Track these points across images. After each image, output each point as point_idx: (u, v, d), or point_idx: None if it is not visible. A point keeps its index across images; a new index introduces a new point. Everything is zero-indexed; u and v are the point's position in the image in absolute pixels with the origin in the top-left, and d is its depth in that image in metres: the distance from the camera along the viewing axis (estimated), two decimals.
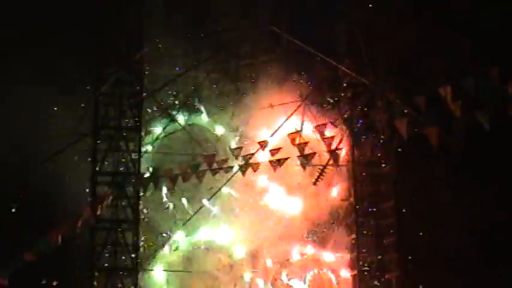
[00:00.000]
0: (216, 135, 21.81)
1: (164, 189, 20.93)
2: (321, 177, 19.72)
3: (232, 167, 18.07)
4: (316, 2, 21.95)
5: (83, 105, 20.44)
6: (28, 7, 20.36)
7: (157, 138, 21.39)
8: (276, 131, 19.73)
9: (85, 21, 20.56)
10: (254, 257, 21.93)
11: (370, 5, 21.08)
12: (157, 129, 21.47)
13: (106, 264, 19.72)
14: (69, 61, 19.97)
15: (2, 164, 19.09)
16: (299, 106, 20.19)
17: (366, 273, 20.69)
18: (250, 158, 18.45)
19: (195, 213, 21.07)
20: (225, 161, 18.31)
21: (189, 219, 21.06)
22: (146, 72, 20.97)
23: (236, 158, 17.87)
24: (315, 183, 20.11)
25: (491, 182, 19.65)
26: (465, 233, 19.80)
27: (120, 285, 19.76)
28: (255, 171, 17.99)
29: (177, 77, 21.15)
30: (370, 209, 20.76)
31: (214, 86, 21.70)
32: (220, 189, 20.12)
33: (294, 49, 21.00)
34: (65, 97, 20.03)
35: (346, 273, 21.58)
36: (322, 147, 18.45)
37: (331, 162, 19.24)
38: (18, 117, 19.54)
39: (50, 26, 20.22)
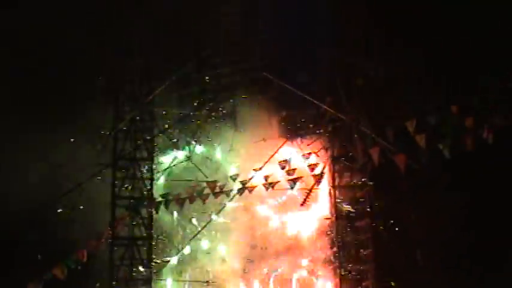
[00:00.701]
0: (217, 164, 21.63)
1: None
2: (307, 199, 19.58)
3: (231, 190, 18.15)
4: (302, 52, 21.50)
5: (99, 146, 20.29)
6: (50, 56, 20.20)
7: (166, 168, 21.27)
8: (269, 159, 19.47)
9: (104, 70, 20.61)
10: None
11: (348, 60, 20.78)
12: (167, 160, 21.32)
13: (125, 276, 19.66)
14: (91, 104, 20.08)
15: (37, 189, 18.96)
16: (287, 139, 20.49)
17: (345, 280, 20.33)
18: (246, 183, 18.72)
19: (203, 227, 20.90)
20: (223, 186, 18.41)
21: (197, 234, 20.84)
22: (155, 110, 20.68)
23: (234, 181, 18.04)
24: (302, 205, 19.95)
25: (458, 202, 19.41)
26: (431, 245, 19.58)
27: None
28: (250, 192, 18.10)
29: (184, 117, 21.06)
30: (348, 225, 20.45)
31: (216, 125, 21.53)
32: (225, 206, 20.17)
33: (284, 91, 20.73)
34: (88, 135, 20.03)
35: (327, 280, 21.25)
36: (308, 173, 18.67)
37: (315, 185, 19.20)
38: (49, 152, 19.45)
39: (73, 75, 20.26)
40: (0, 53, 19.78)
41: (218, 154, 21.81)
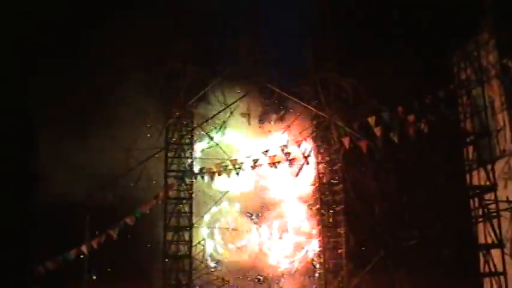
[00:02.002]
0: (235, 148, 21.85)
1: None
2: (300, 171, 20.24)
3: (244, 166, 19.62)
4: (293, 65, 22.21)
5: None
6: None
7: (202, 150, 21.58)
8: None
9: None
10: None
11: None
12: (203, 145, 21.64)
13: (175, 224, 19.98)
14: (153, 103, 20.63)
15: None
16: (285, 130, 21.26)
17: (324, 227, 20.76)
18: (257, 161, 20.15)
19: (224, 194, 21.31)
20: (242, 163, 20.03)
21: (222, 197, 21.29)
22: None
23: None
24: (296, 175, 20.44)
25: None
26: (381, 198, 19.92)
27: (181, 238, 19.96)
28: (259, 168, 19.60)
29: (213, 116, 21.17)
30: (328, 190, 20.76)
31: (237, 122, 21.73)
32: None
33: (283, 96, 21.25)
34: (149, 127, 20.57)
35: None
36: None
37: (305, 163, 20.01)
38: (121, 139, 19.87)
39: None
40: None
41: (237, 141, 22.02)
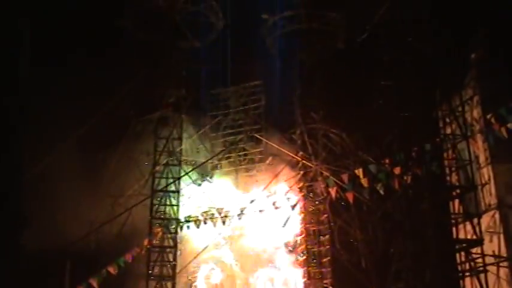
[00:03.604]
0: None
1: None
2: (287, 221, 20.00)
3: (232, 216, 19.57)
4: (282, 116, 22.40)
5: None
6: None
7: (189, 198, 21.30)
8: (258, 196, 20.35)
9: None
10: None
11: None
12: (190, 192, 21.43)
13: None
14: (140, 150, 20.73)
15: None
16: (273, 179, 21.03)
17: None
18: (243, 210, 19.97)
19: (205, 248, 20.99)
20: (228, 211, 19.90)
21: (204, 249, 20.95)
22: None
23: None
24: (284, 226, 20.20)
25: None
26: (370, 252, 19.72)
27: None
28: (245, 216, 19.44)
29: (200, 165, 21.30)
30: (315, 241, 20.58)
31: (225, 170, 22.10)
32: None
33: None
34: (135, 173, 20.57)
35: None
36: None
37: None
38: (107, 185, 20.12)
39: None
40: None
41: (223, 187, 21.98)
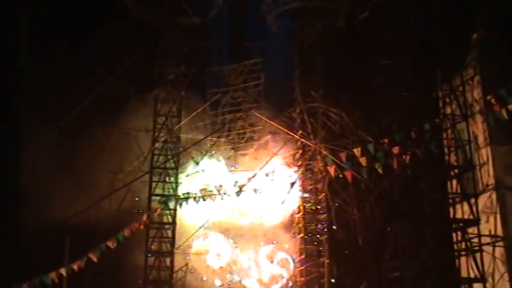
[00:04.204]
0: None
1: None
2: (285, 199, 20.12)
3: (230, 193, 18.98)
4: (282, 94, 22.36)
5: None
6: None
7: (187, 175, 21.45)
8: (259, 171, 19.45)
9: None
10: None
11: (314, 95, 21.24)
12: (188, 169, 21.57)
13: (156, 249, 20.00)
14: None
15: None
16: (271, 158, 20.53)
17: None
18: (241, 187, 19.95)
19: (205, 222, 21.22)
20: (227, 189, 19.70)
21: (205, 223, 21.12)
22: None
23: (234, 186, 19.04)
24: (282, 203, 20.43)
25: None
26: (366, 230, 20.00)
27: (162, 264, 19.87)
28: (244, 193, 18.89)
29: (199, 141, 21.15)
30: (312, 219, 20.67)
31: (224, 147, 22.11)
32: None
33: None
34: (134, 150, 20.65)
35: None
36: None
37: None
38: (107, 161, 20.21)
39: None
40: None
41: (222, 166, 22.00)
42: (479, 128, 18.20)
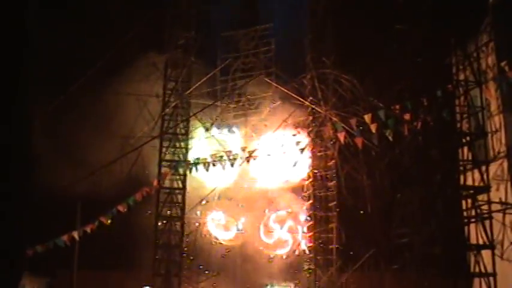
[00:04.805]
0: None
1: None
2: (296, 164, 19.86)
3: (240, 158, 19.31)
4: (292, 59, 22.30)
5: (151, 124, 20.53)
6: None
7: (198, 139, 21.34)
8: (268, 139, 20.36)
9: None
10: None
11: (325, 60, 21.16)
12: (198, 135, 21.43)
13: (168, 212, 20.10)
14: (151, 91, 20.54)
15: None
16: (282, 123, 20.93)
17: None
18: (251, 153, 19.98)
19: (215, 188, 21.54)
20: (237, 154, 19.90)
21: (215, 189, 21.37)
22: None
23: (243, 151, 19.18)
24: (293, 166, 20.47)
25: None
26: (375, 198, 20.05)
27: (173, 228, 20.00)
28: (254, 159, 19.37)
29: (208, 106, 20.77)
30: (322, 185, 20.71)
31: (234, 113, 22.05)
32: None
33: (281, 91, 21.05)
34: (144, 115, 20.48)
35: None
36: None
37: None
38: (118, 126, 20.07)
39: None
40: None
41: (232, 132, 22.15)
42: (492, 95, 17.93)
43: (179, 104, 20.32)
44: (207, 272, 21.17)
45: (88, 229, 19.25)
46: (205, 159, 19.89)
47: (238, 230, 21.58)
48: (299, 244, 21.41)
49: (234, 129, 22.04)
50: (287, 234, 21.76)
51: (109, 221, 19.02)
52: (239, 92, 21.56)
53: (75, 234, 19.37)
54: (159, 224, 19.89)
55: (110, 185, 19.69)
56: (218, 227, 21.73)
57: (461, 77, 17.14)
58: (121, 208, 19.22)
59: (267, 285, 21.49)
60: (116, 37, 19.36)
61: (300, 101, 20.69)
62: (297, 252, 21.59)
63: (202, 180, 21.00)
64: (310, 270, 20.20)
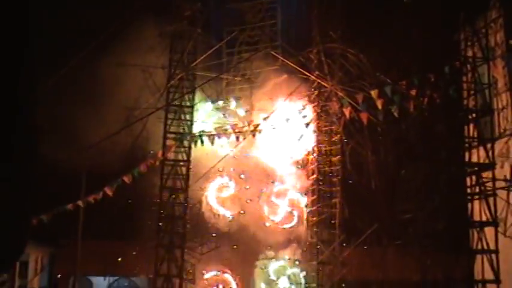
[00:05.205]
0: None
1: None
2: (301, 138, 20.03)
3: (245, 131, 19.45)
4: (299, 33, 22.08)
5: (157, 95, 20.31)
6: None
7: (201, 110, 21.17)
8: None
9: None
10: None
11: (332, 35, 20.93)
12: (203, 107, 21.38)
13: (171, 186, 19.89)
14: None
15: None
16: (287, 97, 20.56)
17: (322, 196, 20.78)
18: (256, 127, 19.93)
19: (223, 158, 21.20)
20: (242, 127, 19.84)
21: (218, 162, 20.81)
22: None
23: (249, 125, 19.20)
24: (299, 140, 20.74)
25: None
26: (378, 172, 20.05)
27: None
28: (258, 133, 19.36)
29: (213, 78, 20.87)
30: (326, 160, 20.82)
31: (239, 87, 21.81)
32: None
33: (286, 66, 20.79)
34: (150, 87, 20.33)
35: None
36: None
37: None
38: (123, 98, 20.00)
39: None
40: None
41: (238, 105, 21.89)
42: (499, 73, 17.85)
43: (184, 76, 20.12)
44: (211, 242, 21.28)
45: (92, 199, 19.34)
46: (210, 132, 19.85)
47: (242, 202, 21.58)
48: (302, 218, 21.41)
49: (239, 102, 21.87)
50: (290, 208, 21.75)
51: (112, 193, 18.93)
52: (245, 65, 21.32)
53: (80, 203, 19.47)
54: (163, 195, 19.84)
55: (115, 156, 19.64)
56: (220, 199, 21.76)
57: (469, 53, 16.97)
58: (126, 179, 19.32)
59: (269, 257, 21.57)
60: (121, 7, 19.20)
61: (306, 75, 20.54)
62: (299, 227, 21.63)
63: (207, 153, 20.85)
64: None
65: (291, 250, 21.52)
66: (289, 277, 21.43)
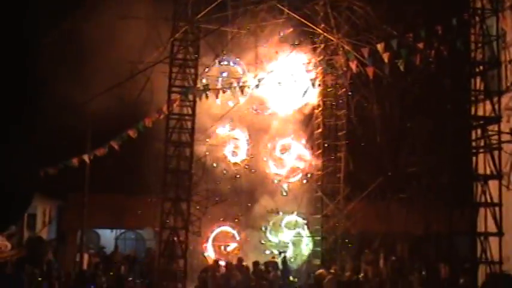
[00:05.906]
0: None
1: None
2: (306, 92, 20.26)
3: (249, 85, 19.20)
4: None
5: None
6: None
7: (207, 67, 21.22)
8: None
9: None
10: None
11: None
12: (208, 61, 21.11)
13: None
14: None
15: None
16: (292, 50, 20.68)
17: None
18: (261, 80, 19.85)
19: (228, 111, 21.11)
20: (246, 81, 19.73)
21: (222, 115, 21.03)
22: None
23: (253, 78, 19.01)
24: (303, 96, 20.69)
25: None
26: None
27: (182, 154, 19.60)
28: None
29: (217, 29, 20.34)
30: (331, 114, 21.02)
31: (245, 40, 21.35)
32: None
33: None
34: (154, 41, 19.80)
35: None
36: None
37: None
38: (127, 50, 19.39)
39: None
40: None
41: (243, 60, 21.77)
42: (508, 25, 17.54)
43: (189, 29, 19.79)
44: (216, 198, 21.44)
45: (98, 153, 19.42)
46: (215, 85, 19.77)
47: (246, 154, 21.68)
48: (307, 172, 21.56)
49: (245, 55, 21.67)
50: (296, 161, 21.84)
51: (117, 146, 18.97)
52: (250, 18, 20.90)
53: (86, 157, 19.56)
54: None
55: (120, 110, 19.51)
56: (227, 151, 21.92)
57: (478, 5, 16.70)
58: (131, 133, 19.24)
59: (274, 211, 21.79)
60: None
61: (312, 28, 20.32)
62: (304, 181, 21.81)
63: (212, 106, 20.86)
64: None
65: (295, 204, 21.66)
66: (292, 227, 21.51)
